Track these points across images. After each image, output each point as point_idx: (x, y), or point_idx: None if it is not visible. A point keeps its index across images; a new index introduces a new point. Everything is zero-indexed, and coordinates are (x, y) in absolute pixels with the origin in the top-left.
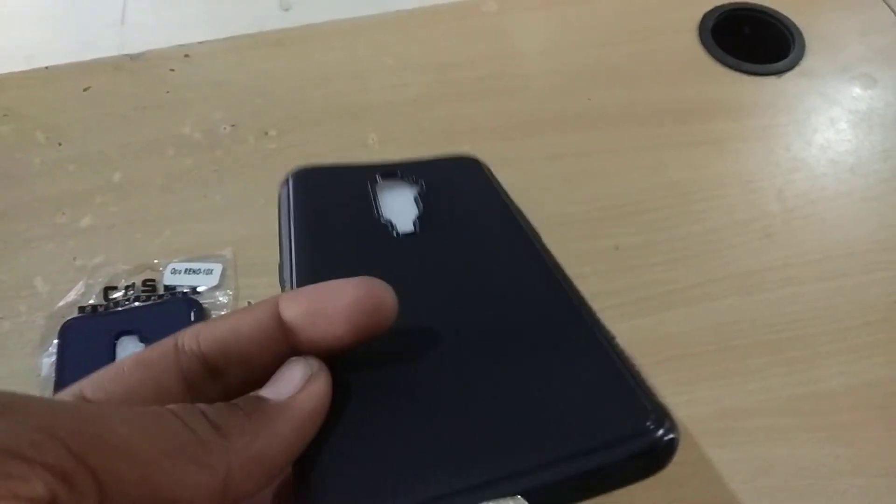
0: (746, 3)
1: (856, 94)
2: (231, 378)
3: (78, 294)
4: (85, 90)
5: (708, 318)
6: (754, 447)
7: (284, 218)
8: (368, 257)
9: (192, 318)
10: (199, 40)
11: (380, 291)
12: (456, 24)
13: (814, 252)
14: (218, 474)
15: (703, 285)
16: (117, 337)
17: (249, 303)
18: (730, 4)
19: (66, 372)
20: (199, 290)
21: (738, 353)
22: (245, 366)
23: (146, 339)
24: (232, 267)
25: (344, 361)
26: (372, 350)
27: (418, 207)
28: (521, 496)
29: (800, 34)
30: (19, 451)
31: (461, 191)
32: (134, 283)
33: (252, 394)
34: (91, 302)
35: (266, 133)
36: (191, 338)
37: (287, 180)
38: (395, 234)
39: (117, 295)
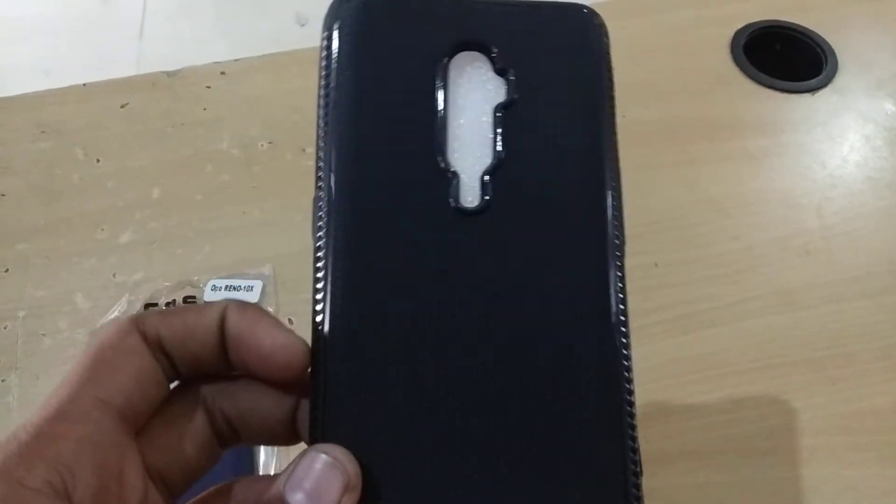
0: (778, 22)
1: (890, 112)
2: (178, 363)
3: (120, 310)
4: (122, 107)
5: (749, 336)
6: (800, 467)
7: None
8: (420, 231)
9: None
10: (234, 57)
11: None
12: None
13: (855, 269)
14: None
15: (744, 303)
16: None
17: (290, 320)
18: (761, 22)
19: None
20: None
21: (781, 371)
22: (194, 361)
23: None
24: (272, 283)
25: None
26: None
27: (494, 144)
28: None
29: (832, 51)
30: None
31: (558, 78)
32: (174, 300)
33: (282, 496)
34: None
35: (303, 150)
36: (152, 326)
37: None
38: (455, 206)
39: None
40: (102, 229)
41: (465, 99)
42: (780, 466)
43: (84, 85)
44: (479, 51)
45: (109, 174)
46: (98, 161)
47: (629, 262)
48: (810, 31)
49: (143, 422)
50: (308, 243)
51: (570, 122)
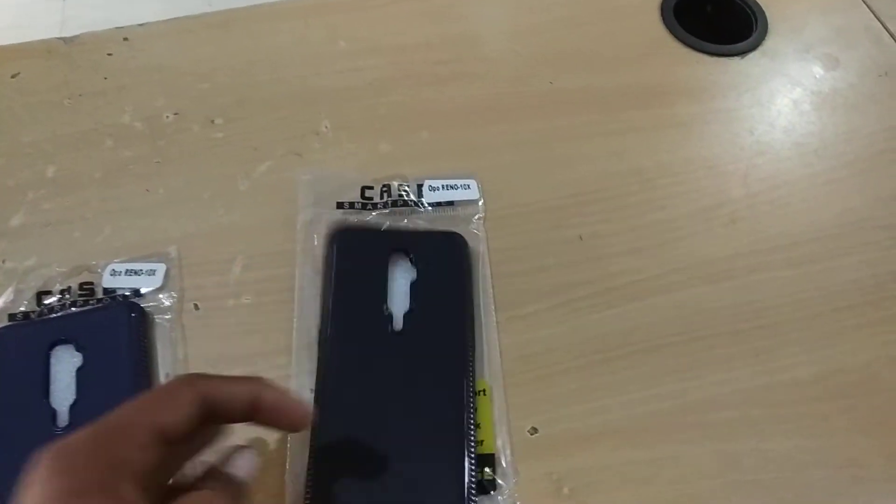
0: None
1: (818, 76)
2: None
3: (7, 300)
4: (13, 76)
5: (674, 309)
6: (721, 441)
7: (328, 271)
8: (367, 342)
9: (133, 324)
10: (140, 22)
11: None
12: (410, 5)
13: (780, 238)
14: None
15: (669, 275)
16: (51, 347)
17: (196, 305)
18: None
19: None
20: (141, 292)
21: (704, 343)
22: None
23: (83, 349)
24: (177, 266)
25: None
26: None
27: (409, 299)
28: None
29: (762, 14)
30: None
31: (443, 269)
32: (70, 287)
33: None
34: (22, 308)
35: (212, 121)
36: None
37: (333, 237)
38: (390, 330)
39: (52, 300)
40: None
41: (397, 278)
42: (702, 441)
43: None
44: (405, 255)
45: None
46: None
47: (554, 235)
48: None
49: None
50: (216, 223)
51: (445, 296)
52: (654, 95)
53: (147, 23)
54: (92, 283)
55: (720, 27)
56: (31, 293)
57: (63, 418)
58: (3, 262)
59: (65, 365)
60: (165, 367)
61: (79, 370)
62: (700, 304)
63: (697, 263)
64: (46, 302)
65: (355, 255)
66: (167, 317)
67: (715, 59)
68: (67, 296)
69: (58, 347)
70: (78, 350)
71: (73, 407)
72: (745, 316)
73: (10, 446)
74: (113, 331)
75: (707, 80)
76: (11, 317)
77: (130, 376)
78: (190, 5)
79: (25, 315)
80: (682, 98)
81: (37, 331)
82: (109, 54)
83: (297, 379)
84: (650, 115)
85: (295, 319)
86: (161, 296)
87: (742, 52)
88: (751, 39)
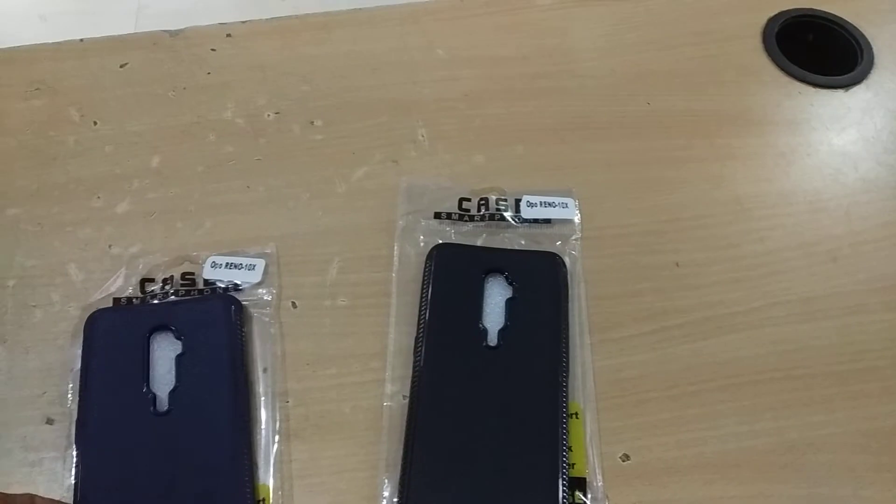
0: (812, 10)
1: None
2: None
3: (116, 285)
4: (122, 66)
5: (770, 344)
6: (818, 485)
7: (425, 285)
8: (462, 355)
9: (232, 317)
10: (240, 18)
11: None
12: (508, 17)
13: (881, 280)
14: None
15: (766, 308)
16: (152, 332)
17: (293, 303)
18: (795, 10)
19: (93, 368)
20: (240, 286)
21: (801, 383)
22: None
23: (182, 337)
24: (275, 264)
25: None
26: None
27: (504, 316)
28: None
29: (868, 45)
30: None
31: (539, 288)
32: (172, 276)
33: None
34: (128, 293)
35: (312, 123)
36: None
37: (432, 253)
38: (484, 345)
39: (154, 287)
40: (98, 197)
41: (493, 295)
42: (797, 483)
43: (81, 41)
44: (500, 274)
45: (107, 138)
46: (95, 124)
47: (649, 260)
48: (846, 22)
49: None
50: (314, 224)
51: (541, 314)
52: (753, 123)
53: (249, 20)
54: (193, 274)
55: (823, 56)
56: (136, 279)
57: (163, 404)
58: (110, 247)
59: (165, 351)
60: (264, 362)
61: (178, 357)
62: (798, 341)
63: (796, 300)
64: (150, 289)
65: (453, 270)
66: (266, 311)
67: (817, 90)
68: (169, 285)
69: (157, 334)
70: (177, 338)
71: (172, 393)
72: (843, 357)
73: (110, 427)
74: (213, 322)
75: (809, 112)
76: (116, 301)
77: (229, 368)
78: (265, 5)
79: (129, 300)
80: (782, 128)
81: (138, 315)
82: (213, 49)
83: (391, 385)
84: (749, 143)
85: (391, 325)
86: (260, 291)
87: (846, 85)
88: (856, 72)
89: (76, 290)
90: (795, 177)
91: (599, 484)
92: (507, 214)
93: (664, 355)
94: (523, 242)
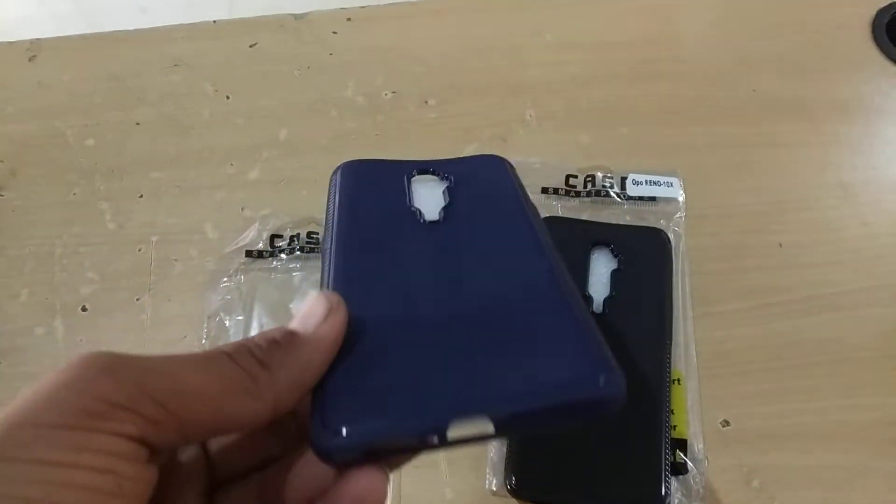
0: None
1: None
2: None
3: (249, 238)
4: (251, 46)
5: (872, 325)
6: None
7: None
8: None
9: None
10: (361, 5)
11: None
12: (614, 4)
13: None
14: (268, 403)
15: (869, 290)
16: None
17: None
18: None
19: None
20: None
21: None
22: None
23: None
24: None
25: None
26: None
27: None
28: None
29: None
30: (121, 403)
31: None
32: (299, 234)
33: (286, 328)
34: (258, 247)
35: (426, 102)
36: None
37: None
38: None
39: (282, 243)
40: (231, 164)
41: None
42: None
43: (214, 22)
44: (606, 247)
45: (238, 112)
46: (228, 98)
47: (753, 239)
48: None
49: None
50: None
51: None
52: (859, 112)
53: (367, 6)
54: (317, 234)
55: None
56: (266, 234)
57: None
58: (242, 209)
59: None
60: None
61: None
62: None
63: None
64: (277, 245)
65: (560, 242)
66: None
67: None
68: (296, 241)
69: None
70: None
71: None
72: None
73: None
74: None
75: None
76: (248, 253)
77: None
78: None
79: (259, 253)
80: (890, 117)
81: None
82: (334, 32)
83: None
84: (855, 130)
85: None
86: None
87: None
88: None
89: (212, 246)
90: None
91: (700, 446)
92: (613, 191)
93: (766, 330)
94: (628, 219)
